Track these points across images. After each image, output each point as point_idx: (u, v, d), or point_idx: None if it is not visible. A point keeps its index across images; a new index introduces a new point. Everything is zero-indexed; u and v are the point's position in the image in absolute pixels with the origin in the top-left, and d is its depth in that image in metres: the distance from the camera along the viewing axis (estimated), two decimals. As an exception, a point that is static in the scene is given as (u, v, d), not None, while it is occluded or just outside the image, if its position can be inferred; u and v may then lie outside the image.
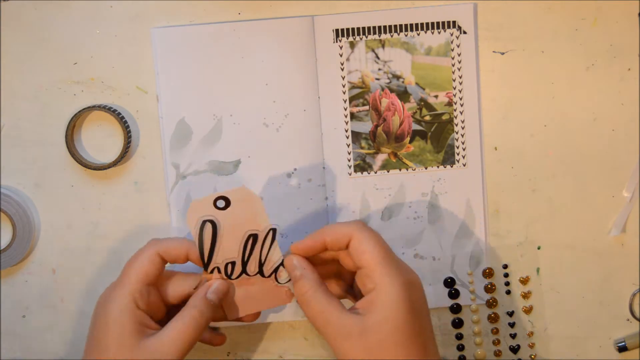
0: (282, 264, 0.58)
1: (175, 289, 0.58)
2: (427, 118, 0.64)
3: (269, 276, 0.58)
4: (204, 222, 0.56)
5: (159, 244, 0.57)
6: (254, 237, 0.57)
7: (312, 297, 0.54)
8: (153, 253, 0.56)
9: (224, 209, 0.56)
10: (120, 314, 0.54)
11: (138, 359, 0.52)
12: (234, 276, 0.58)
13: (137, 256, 0.57)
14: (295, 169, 0.64)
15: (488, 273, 0.66)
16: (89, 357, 0.54)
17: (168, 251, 0.57)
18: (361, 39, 0.63)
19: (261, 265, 0.58)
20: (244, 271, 0.58)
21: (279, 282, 0.58)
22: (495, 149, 0.65)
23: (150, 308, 0.56)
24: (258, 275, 0.58)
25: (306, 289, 0.54)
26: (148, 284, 0.56)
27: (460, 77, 0.64)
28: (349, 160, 0.64)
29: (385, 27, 0.63)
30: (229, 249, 0.57)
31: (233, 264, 0.58)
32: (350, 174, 0.65)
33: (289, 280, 0.58)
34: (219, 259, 0.57)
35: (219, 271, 0.58)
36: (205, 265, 0.57)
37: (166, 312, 0.59)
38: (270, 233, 0.57)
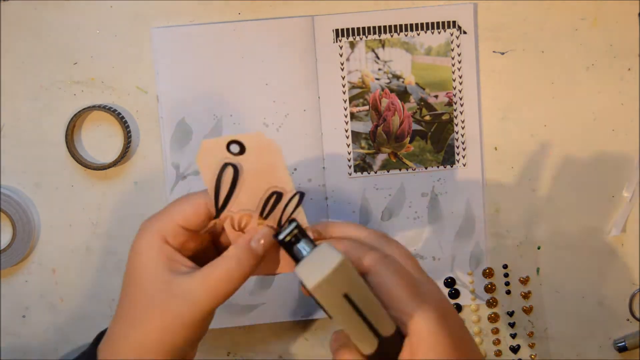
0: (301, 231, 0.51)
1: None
2: (427, 118, 0.64)
3: None
4: (225, 164, 0.50)
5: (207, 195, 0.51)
6: (278, 195, 0.51)
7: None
8: (201, 202, 0.51)
9: (238, 154, 0.50)
10: (148, 245, 0.50)
11: (168, 296, 0.48)
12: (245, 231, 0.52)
13: (182, 197, 0.52)
14: (295, 169, 0.64)
15: (488, 273, 0.66)
16: (126, 288, 0.50)
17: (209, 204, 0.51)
18: (361, 39, 0.63)
19: (280, 226, 0.52)
20: None
21: None
22: (495, 149, 0.65)
23: (186, 249, 0.51)
24: None
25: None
26: (184, 227, 0.51)
27: (460, 77, 0.64)
28: (349, 160, 0.64)
29: (385, 27, 0.63)
30: (246, 200, 0.51)
31: (248, 217, 0.52)
32: (350, 174, 0.65)
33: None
34: (233, 208, 0.52)
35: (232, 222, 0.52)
36: (218, 212, 0.52)
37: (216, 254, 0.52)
38: (297, 197, 0.51)
